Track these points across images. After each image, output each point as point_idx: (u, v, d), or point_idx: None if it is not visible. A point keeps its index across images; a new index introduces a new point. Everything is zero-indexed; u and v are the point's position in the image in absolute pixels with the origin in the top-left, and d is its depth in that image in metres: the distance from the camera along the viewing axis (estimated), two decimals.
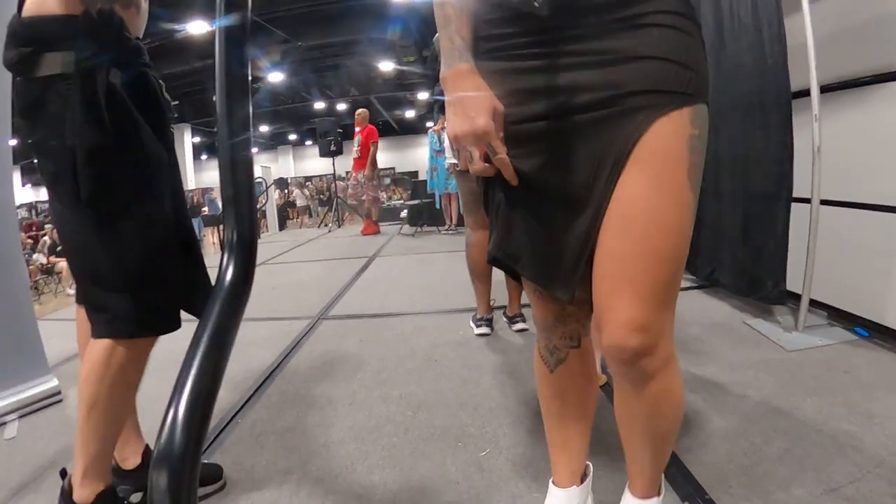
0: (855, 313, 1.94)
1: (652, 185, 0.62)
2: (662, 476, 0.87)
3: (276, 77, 12.28)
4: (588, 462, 0.95)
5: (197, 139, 25.17)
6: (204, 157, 27.14)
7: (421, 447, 1.36)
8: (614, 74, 0.63)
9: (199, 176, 24.82)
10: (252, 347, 2.28)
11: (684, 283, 2.76)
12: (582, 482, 0.92)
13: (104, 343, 0.95)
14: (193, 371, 0.51)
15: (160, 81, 1.01)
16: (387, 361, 2.02)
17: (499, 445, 1.34)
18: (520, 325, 2.25)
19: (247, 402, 1.73)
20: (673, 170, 0.62)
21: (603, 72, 0.63)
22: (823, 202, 1.88)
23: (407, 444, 1.38)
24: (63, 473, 1.04)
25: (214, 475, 1.23)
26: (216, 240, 10.35)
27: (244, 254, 0.60)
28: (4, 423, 1.73)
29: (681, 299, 2.45)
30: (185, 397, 0.49)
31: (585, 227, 0.67)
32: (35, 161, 0.96)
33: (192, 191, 18.40)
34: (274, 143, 24.15)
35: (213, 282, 0.62)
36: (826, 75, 1.85)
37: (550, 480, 0.94)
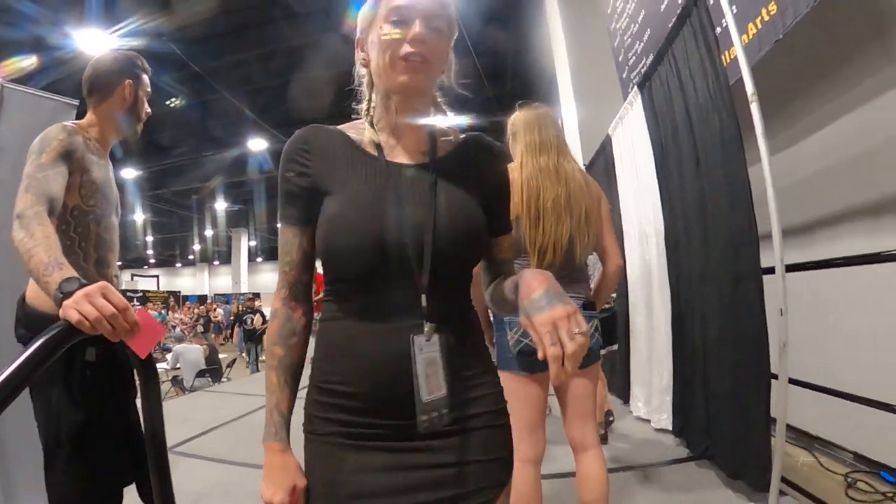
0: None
1: None
2: None
3: None
4: None
5: (253, 243, 27.05)
6: (259, 259, 28.93)
7: None
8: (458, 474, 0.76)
9: (253, 278, 26.24)
10: (249, 501, 2.35)
11: (680, 454, 2.72)
12: None
13: None
14: None
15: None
16: None
17: None
18: None
19: None
20: None
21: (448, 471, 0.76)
22: (792, 381, 1.92)
23: None
24: None
25: None
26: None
27: None
28: None
29: (668, 472, 2.34)
30: None
31: None
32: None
33: (243, 295, 19.23)
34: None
35: None
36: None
37: None
